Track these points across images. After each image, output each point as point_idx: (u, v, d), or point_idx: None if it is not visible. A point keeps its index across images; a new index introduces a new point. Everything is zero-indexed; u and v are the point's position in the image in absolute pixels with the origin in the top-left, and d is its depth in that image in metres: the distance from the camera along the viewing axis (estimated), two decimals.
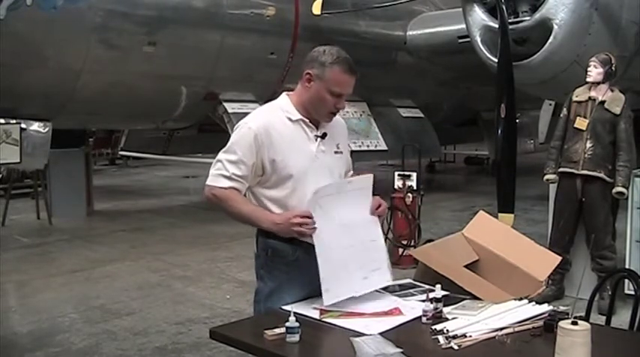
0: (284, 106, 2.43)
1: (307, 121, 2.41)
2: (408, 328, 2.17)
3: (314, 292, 2.40)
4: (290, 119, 2.39)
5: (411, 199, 6.33)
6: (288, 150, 2.36)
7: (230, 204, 2.36)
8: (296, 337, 2.03)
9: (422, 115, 10.89)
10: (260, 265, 2.49)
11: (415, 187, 6.40)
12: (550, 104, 9.32)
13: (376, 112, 9.97)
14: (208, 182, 2.39)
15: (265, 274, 2.47)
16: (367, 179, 2.47)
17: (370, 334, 2.04)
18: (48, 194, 8.75)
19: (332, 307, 2.29)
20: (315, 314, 2.25)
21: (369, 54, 9.73)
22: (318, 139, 2.42)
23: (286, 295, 2.39)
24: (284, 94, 2.49)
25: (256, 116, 2.42)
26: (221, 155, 2.40)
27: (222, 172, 2.36)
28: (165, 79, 7.82)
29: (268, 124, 2.36)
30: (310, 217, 2.28)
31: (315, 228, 2.28)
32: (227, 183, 2.35)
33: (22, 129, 7.03)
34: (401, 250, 6.13)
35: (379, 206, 2.49)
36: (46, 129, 7.26)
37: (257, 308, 2.50)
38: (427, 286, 2.48)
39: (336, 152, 2.49)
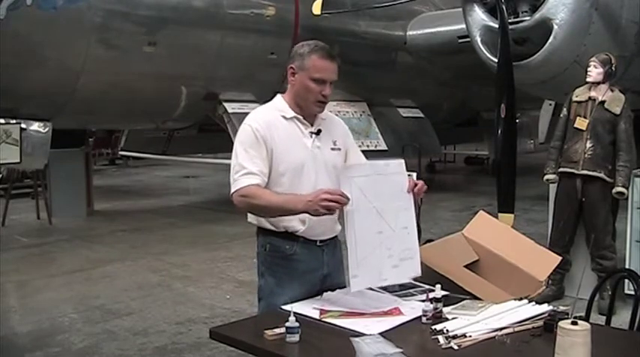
0: (278, 105, 2.49)
1: (301, 118, 2.46)
2: (408, 328, 2.16)
3: (314, 287, 2.44)
4: (284, 117, 2.45)
5: None
6: (284, 145, 2.40)
7: (259, 199, 2.33)
8: (296, 337, 2.03)
9: (422, 115, 10.89)
10: (260, 261, 2.54)
11: None
12: (550, 104, 9.32)
13: (376, 112, 9.97)
14: (232, 190, 2.38)
15: (265, 270, 2.51)
16: (400, 165, 2.44)
17: (370, 334, 2.04)
18: (48, 194, 8.76)
19: (332, 307, 2.29)
20: (315, 314, 2.25)
21: (369, 54, 9.75)
22: (313, 135, 2.46)
23: (286, 290, 2.41)
24: (278, 95, 2.54)
25: (254, 115, 2.46)
26: (233, 161, 2.41)
27: (239, 173, 2.36)
28: (165, 79, 7.82)
29: (267, 120, 2.42)
30: (340, 194, 2.22)
31: (343, 203, 2.22)
32: (248, 181, 2.35)
33: (22, 129, 7.03)
34: None
35: (415, 186, 2.43)
36: (46, 129, 7.26)
37: (260, 305, 2.54)
38: (427, 286, 2.48)
39: (332, 149, 2.51)
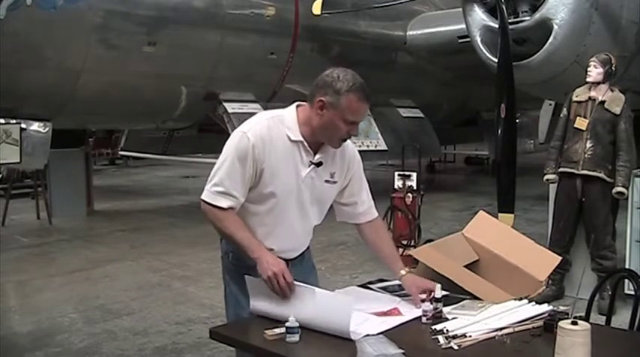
0: (288, 122, 2.31)
1: (306, 144, 2.31)
2: (408, 328, 2.16)
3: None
4: (289, 138, 2.29)
5: (411, 199, 6.32)
6: (277, 168, 2.27)
7: (225, 227, 2.28)
8: (296, 337, 2.03)
9: (422, 115, 10.89)
10: (225, 268, 2.48)
11: (415, 187, 6.40)
12: (550, 104, 9.33)
13: (376, 112, 9.95)
14: (207, 198, 2.29)
15: (230, 279, 2.45)
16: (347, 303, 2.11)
17: (373, 334, 2.04)
18: (48, 194, 8.76)
19: None
20: None
21: (369, 54, 9.75)
22: (312, 166, 2.33)
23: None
24: (294, 106, 2.36)
25: (257, 126, 2.29)
26: (219, 165, 2.29)
27: (220, 188, 2.26)
28: (165, 79, 7.82)
29: (267, 137, 2.26)
30: (289, 283, 2.17)
31: (285, 293, 2.17)
32: (226, 203, 2.26)
33: (22, 129, 7.03)
34: (401, 250, 6.12)
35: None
36: (46, 129, 7.26)
37: (228, 314, 2.48)
38: None
39: (327, 181, 2.38)
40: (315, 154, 2.34)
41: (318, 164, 2.34)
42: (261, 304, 2.25)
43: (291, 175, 2.31)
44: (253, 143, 2.24)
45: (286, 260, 2.36)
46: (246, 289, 2.32)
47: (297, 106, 2.36)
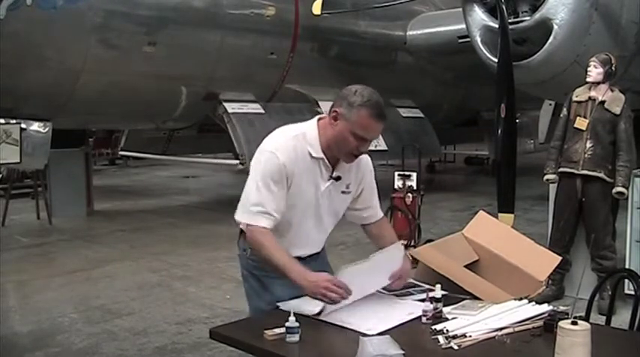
0: (310, 138, 2.37)
1: (326, 161, 2.38)
2: (408, 328, 2.16)
3: (298, 293, 2.37)
4: (311, 155, 2.36)
5: (411, 199, 6.32)
6: (300, 184, 2.35)
7: (263, 248, 2.30)
8: (296, 337, 2.03)
9: (422, 115, 10.88)
10: (242, 265, 2.56)
11: (415, 187, 6.40)
12: (550, 104, 9.33)
13: None
14: (247, 220, 2.34)
15: (248, 274, 2.53)
16: (397, 249, 2.45)
17: (377, 335, 2.04)
18: (48, 194, 8.75)
19: (331, 308, 2.28)
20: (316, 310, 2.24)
21: (369, 54, 9.76)
22: (331, 180, 2.41)
23: (270, 291, 2.42)
24: (315, 120, 2.42)
25: (283, 145, 2.35)
26: (253, 188, 2.33)
27: (260, 208, 2.31)
28: (165, 79, 7.82)
29: (293, 155, 2.33)
30: (341, 287, 2.20)
31: (344, 297, 2.21)
32: (267, 222, 2.31)
33: (22, 129, 7.04)
34: None
35: (399, 278, 2.44)
36: (46, 129, 7.26)
37: (250, 308, 2.57)
38: (427, 286, 2.48)
39: (343, 192, 2.48)
40: (333, 168, 2.41)
41: (337, 178, 2.42)
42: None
43: (312, 189, 2.39)
44: (284, 162, 2.31)
45: (300, 258, 2.42)
46: (264, 284, 2.43)
47: (319, 119, 2.42)
